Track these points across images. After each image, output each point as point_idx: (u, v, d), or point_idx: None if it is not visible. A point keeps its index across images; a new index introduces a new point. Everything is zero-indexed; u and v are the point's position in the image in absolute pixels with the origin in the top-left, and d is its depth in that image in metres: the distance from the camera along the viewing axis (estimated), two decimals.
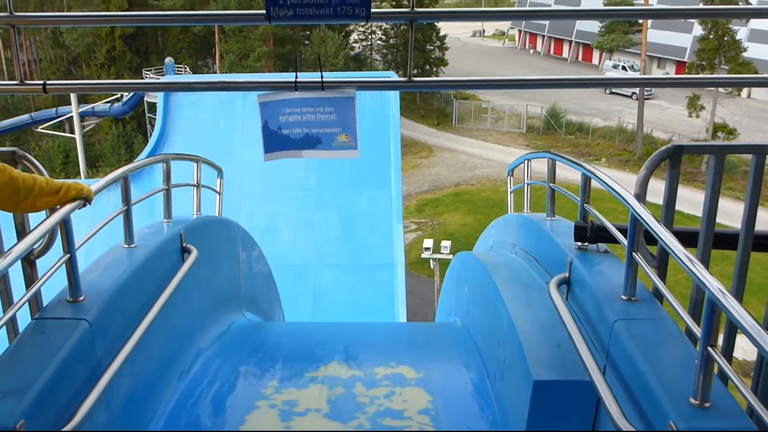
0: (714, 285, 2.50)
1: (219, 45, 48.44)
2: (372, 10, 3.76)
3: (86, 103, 40.35)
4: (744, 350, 16.23)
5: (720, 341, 2.84)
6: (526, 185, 6.45)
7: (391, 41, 52.78)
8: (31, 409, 2.69)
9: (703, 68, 36.50)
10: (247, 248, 7.48)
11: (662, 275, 3.59)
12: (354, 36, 54.08)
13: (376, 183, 20.70)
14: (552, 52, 65.59)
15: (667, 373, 2.82)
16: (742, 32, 40.47)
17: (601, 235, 4.09)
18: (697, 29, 42.73)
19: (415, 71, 44.97)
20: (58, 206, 3.26)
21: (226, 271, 6.62)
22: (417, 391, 4.80)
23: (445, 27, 53.12)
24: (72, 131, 37.47)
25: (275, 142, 4.26)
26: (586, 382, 3.20)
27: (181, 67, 42.31)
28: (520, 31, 70.24)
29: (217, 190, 7.26)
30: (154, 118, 29.21)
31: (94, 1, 46.69)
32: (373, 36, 54.32)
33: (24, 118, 40.36)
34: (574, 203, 4.41)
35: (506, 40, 74.12)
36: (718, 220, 3.63)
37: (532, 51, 67.75)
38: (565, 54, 63.72)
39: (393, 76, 29.87)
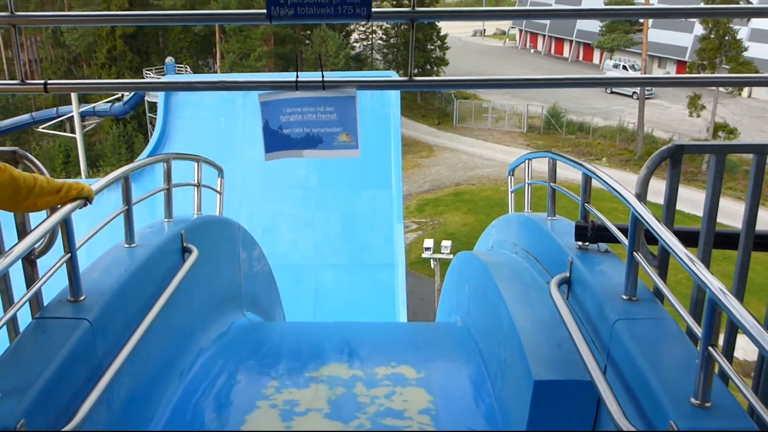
0: (715, 285, 2.50)
1: (220, 44, 48.44)
2: (373, 9, 3.76)
3: (87, 102, 40.38)
4: (745, 350, 16.22)
5: (721, 341, 2.84)
6: (526, 185, 6.45)
7: (392, 41, 52.78)
8: (32, 408, 2.69)
9: (704, 68, 36.48)
10: (248, 248, 7.48)
11: (663, 275, 3.59)
12: (355, 35, 54.07)
13: (376, 183, 20.70)
14: (553, 51, 65.58)
15: (668, 373, 2.82)
16: (743, 32, 40.45)
17: (601, 234, 4.09)
18: (698, 29, 42.71)
19: (416, 71, 44.95)
20: (59, 206, 3.26)
21: (227, 271, 6.62)
22: (417, 391, 4.80)
23: (445, 26, 53.12)
24: (73, 131, 37.49)
25: (276, 141, 4.26)
26: (586, 381, 3.20)
27: (182, 67, 42.32)
28: (520, 31, 70.22)
29: (218, 189, 7.26)
30: (155, 118, 29.22)
31: (95, 1, 46.69)
32: (374, 35, 54.31)
33: (25, 117, 40.40)
34: (574, 203, 4.41)
35: (507, 39, 74.11)
36: (718, 219, 3.63)
37: (532, 50, 67.74)
38: (565, 53, 63.71)
39: (394, 75, 29.89)
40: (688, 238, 3.26)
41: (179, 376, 4.73)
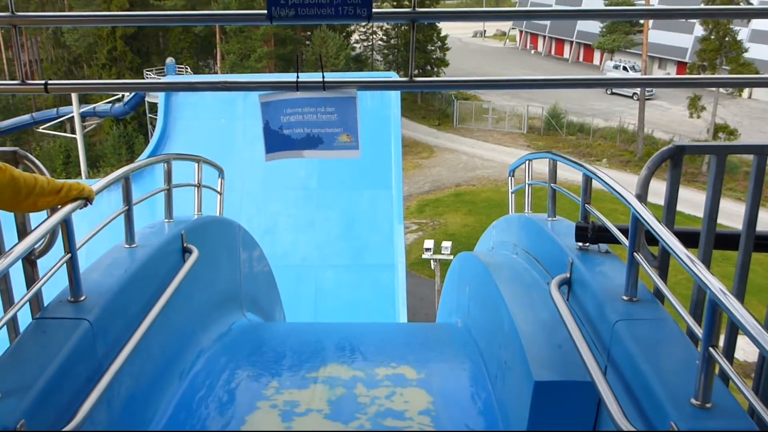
0: (715, 285, 2.50)
1: (220, 45, 48.46)
2: (373, 10, 3.76)
3: (87, 103, 40.41)
4: (745, 351, 16.22)
5: (721, 342, 2.84)
6: (527, 186, 6.45)
7: (392, 42, 52.79)
8: (32, 409, 2.69)
9: (704, 69, 36.48)
10: (248, 248, 7.48)
11: (663, 276, 3.59)
12: (355, 36, 54.09)
13: (377, 183, 20.70)
14: (553, 52, 65.61)
15: (669, 374, 2.82)
16: (743, 33, 40.46)
17: (602, 235, 4.09)
18: (698, 30, 42.70)
19: (416, 72, 44.96)
20: (60, 206, 3.26)
21: (227, 272, 6.62)
22: (418, 391, 4.80)
23: (446, 27, 53.13)
24: (73, 131, 37.52)
25: (276, 142, 4.26)
26: (587, 382, 3.19)
27: (182, 68, 42.33)
28: (521, 32, 70.25)
29: (218, 190, 7.26)
30: (155, 119, 29.24)
31: (96, 1, 46.72)
32: (374, 36, 54.33)
33: (25, 118, 40.41)
34: (575, 204, 4.41)
35: (507, 40, 74.13)
36: (719, 220, 3.63)
37: (533, 51, 67.75)
38: (566, 54, 63.73)
39: (394, 76, 29.88)
40: (688, 239, 3.26)
41: (179, 376, 4.73)
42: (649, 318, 3.33)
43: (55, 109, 40.98)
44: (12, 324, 3.22)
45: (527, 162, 6.47)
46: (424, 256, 25.05)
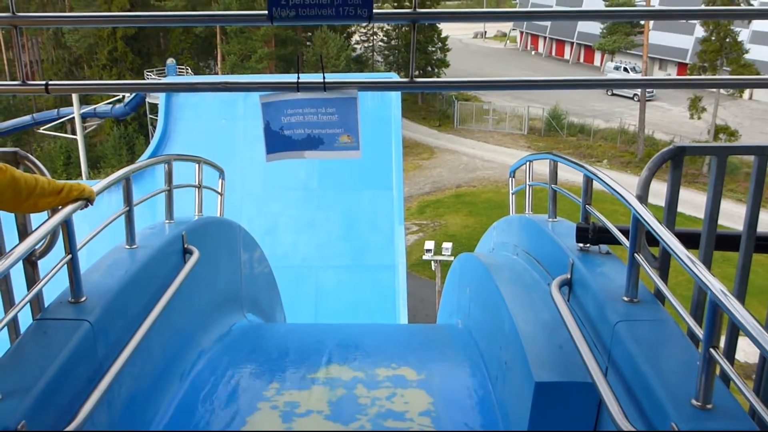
0: (716, 286, 2.50)
1: (221, 46, 48.48)
2: (374, 10, 3.76)
3: (88, 104, 40.45)
4: (745, 353, 16.22)
5: (722, 343, 2.84)
6: (527, 186, 6.45)
7: (393, 42, 52.82)
8: (33, 409, 2.69)
9: (704, 70, 36.48)
10: (249, 249, 7.48)
11: (664, 276, 3.59)
12: (356, 37, 54.14)
13: (377, 184, 20.67)
14: (553, 53, 65.64)
15: (669, 375, 2.81)
16: (743, 34, 40.46)
17: (602, 236, 4.09)
18: (699, 31, 42.72)
19: (417, 73, 44.95)
20: (60, 207, 3.26)
21: (228, 273, 6.62)
22: (418, 392, 4.79)
23: (446, 28, 53.16)
24: (73, 132, 37.57)
25: (277, 142, 4.26)
26: (587, 383, 3.19)
27: (183, 69, 42.39)
28: (521, 33, 70.29)
29: (219, 191, 7.26)
30: (156, 120, 29.24)
31: (96, 2, 46.76)
32: (375, 37, 54.36)
33: (26, 119, 40.45)
34: (575, 205, 4.40)
35: (508, 41, 74.16)
36: (719, 221, 3.62)
37: (533, 52, 67.79)
38: (566, 55, 63.77)
39: (395, 77, 29.87)
40: (689, 240, 3.26)
41: (180, 377, 4.73)
42: (649, 319, 3.33)
43: (56, 110, 41.03)
44: (13, 325, 3.22)
45: (528, 163, 6.47)
46: (424, 257, 25.06)
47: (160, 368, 4.37)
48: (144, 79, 39.72)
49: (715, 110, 36.85)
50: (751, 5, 37.20)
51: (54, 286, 3.37)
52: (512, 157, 31.75)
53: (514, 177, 7.66)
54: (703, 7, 31.75)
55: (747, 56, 37.48)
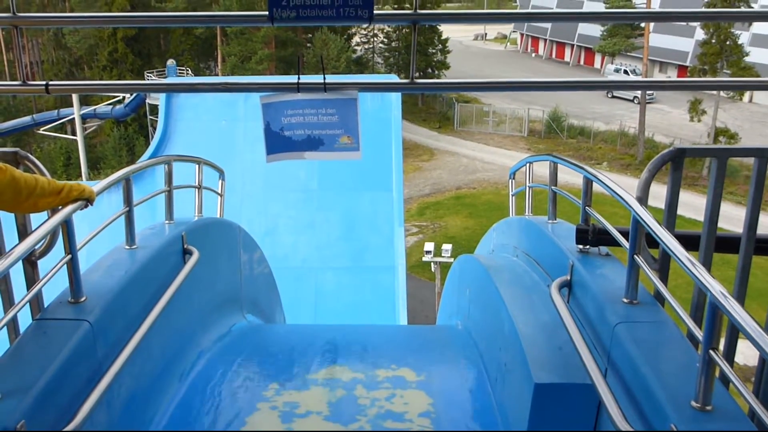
0: (716, 288, 2.50)
1: (221, 47, 48.52)
2: (375, 11, 3.76)
3: (88, 105, 40.46)
4: (745, 355, 16.20)
5: (721, 345, 2.84)
6: (527, 188, 6.45)
7: (393, 44, 52.86)
8: (32, 409, 2.69)
9: (705, 72, 36.51)
10: (249, 250, 7.48)
11: (664, 278, 3.59)
12: (356, 39, 54.17)
13: (377, 185, 20.67)
14: (554, 55, 65.67)
15: (669, 377, 2.82)
16: (744, 37, 40.51)
17: (602, 238, 4.09)
18: (699, 33, 42.76)
19: (417, 74, 44.89)
20: (60, 207, 3.26)
21: (227, 273, 6.62)
22: (418, 393, 4.79)
23: (447, 30, 53.19)
24: (74, 133, 37.59)
25: (277, 143, 4.26)
26: (587, 385, 3.19)
27: (183, 70, 42.40)
28: (522, 35, 70.34)
29: (219, 191, 7.26)
30: (156, 120, 29.24)
31: (97, 3, 46.80)
32: (375, 39, 54.40)
33: (26, 119, 40.47)
34: (575, 206, 4.41)
35: (508, 43, 74.20)
36: (719, 224, 3.63)
37: (534, 54, 67.82)
38: (567, 58, 63.82)
39: (395, 78, 29.89)
40: (689, 242, 3.25)
41: (179, 377, 4.73)
42: (649, 321, 3.33)
43: (56, 110, 41.06)
44: (12, 325, 3.22)
45: (528, 165, 6.48)
46: (424, 259, 25.06)
47: (159, 368, 4.37)
48: (144, 80, 39.74)
49: (715, 113, 36.86)
50: (752, 7, 37.23)
51: (54, 286, 3.37)
52: (512, 159, 31.76)
53: (514, 179, 7.67)
54: (703, 9, 31.78)
55: (747, 59, 37.52)
